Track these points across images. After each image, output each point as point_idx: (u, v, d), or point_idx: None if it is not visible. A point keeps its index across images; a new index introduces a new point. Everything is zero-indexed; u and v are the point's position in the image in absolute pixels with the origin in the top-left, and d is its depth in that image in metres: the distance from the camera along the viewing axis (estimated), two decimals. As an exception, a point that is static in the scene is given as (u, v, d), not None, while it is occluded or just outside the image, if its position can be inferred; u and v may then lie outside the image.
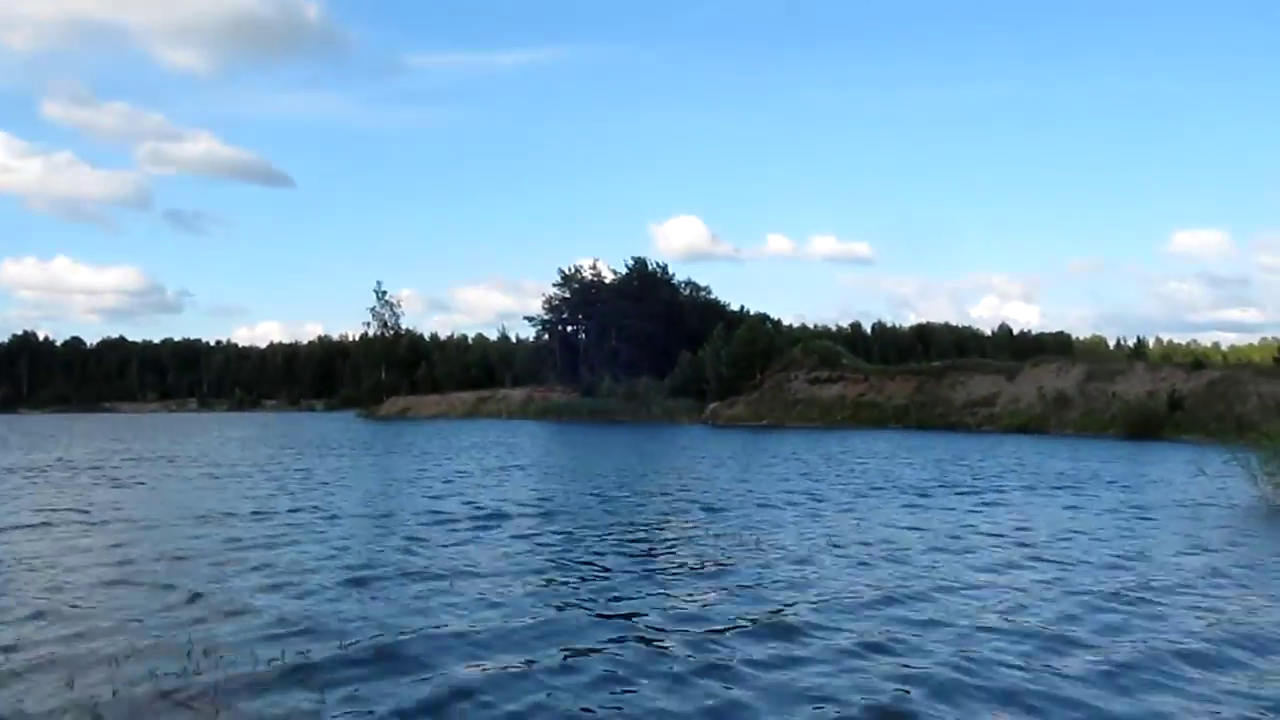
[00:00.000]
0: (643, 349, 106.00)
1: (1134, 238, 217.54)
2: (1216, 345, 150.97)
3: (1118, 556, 15.98)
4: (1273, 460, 23.69)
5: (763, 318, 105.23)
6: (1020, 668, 9.48)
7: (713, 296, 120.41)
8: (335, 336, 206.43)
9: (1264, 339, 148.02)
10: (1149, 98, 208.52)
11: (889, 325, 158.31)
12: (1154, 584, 13.64)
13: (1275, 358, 75.81)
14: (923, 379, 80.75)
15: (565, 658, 9.79)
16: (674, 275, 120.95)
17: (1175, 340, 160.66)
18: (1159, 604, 12.35)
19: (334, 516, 20.52)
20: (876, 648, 10.19)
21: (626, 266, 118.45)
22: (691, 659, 9.75)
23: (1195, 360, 76.44)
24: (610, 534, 18.12)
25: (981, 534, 18.62)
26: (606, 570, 14.48)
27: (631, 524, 19.60)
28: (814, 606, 12.04)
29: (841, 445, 50.22)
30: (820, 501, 23.94)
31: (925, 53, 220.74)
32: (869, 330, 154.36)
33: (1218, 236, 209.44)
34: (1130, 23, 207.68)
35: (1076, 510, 22.86)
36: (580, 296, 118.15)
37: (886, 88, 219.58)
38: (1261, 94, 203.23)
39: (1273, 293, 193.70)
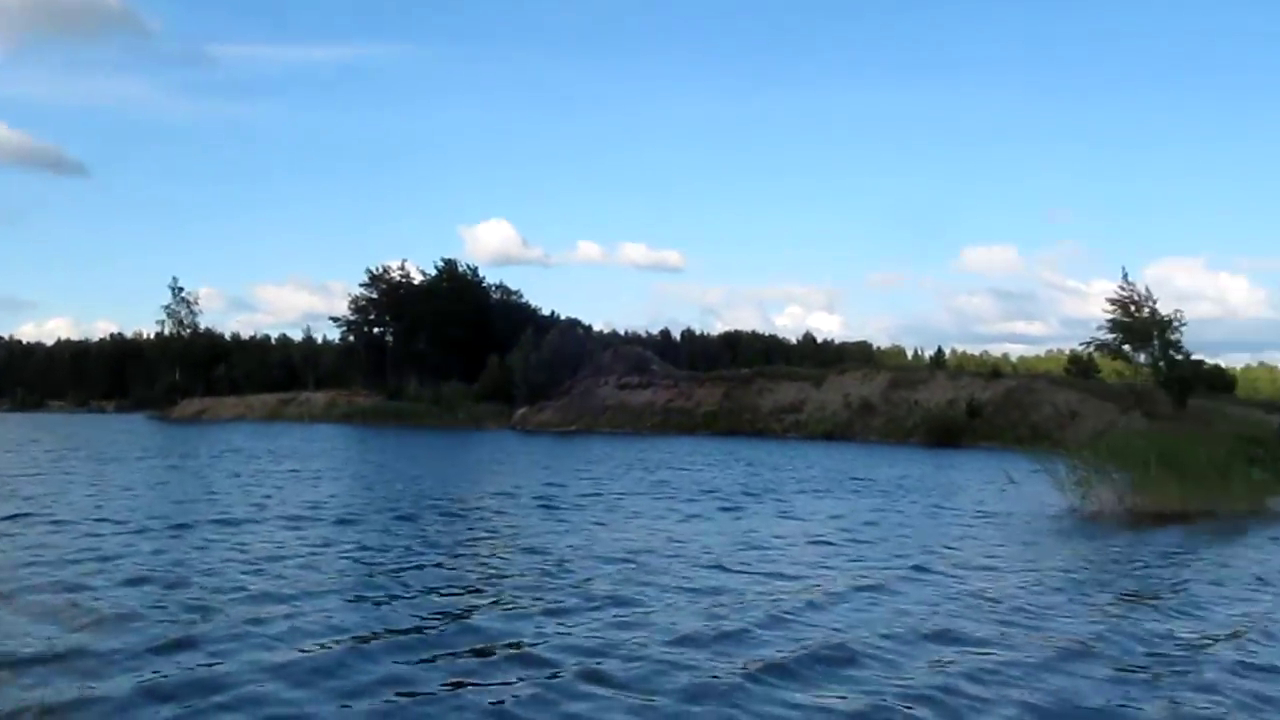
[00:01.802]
0: (451, 352, 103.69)
1: (929, 252, 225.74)
2: (1006, 356, 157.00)
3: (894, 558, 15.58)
4: (1077, 471, 23.85)
5: (573, 323, 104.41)
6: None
7: (524, 300, 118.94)
8: (129, 334, 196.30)
9: (1049, 350, 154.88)
10: (946, 115, 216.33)
11: (698, 333, 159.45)
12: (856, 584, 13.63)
13: (1066, 368, 78.80)
14: (731, 386, 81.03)
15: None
16: (484, 279, 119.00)
17: (969, 351, 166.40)
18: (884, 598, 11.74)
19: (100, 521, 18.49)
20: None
21: (436, 268, 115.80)
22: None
23: (993, 369, 78.84)
24: (396, 546, 16.65)
25: (752, 539, 18.26)
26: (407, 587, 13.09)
27: (420, 536, 18.17)
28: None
29: (642, 452, 49.60)
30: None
31: (735, 63, 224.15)
32: (678, 337, 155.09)
33: (1006, 252, 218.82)
34: (929, 36, 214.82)
35: (881, 513, 23.40)
36: (388, 298, 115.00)
37: (698, 97, 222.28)
38: (1047, 114, 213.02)
39: (1055, 307, 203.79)
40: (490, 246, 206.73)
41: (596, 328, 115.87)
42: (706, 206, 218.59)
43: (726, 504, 25.02)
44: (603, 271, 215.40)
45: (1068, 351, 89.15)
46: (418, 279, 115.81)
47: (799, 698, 8.49)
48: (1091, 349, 62.63)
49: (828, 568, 15.48)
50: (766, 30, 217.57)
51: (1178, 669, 9.56)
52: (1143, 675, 9.33)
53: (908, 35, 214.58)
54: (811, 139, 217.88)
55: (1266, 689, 8.94)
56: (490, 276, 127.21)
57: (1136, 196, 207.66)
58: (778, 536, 19.13)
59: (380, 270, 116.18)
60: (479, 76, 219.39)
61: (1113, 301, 58.26)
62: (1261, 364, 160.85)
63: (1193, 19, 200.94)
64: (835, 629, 11.01)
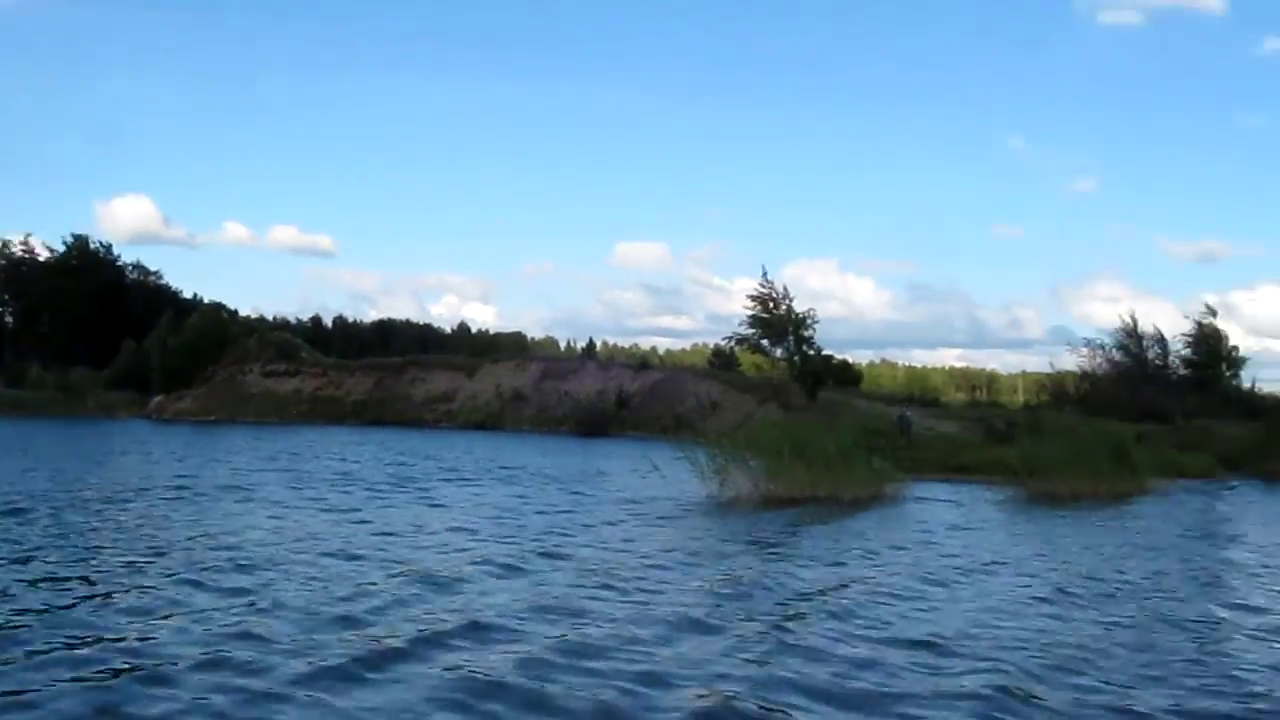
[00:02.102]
0: (79, 335, 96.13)
1: (583, 246, 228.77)
2: (655, 349, 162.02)
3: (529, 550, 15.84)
4: (716, 460, 24.70)
5: (218, 307, 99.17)
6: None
7: (163, 282, 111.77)
8: None
9: (694, 344, 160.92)
10: (603, 111, 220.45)
11: (351, 320, 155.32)
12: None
13: (709, 361, 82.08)
14: (383, 375, 79.42)
15: None
16: (120, 257, 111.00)
17: (620, 344, 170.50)
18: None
19: None
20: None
21: (65, 244, 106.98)
22: None
23: (642, 360, 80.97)
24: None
25: (367, 532, 17.88)
26: None
27: (26, 532, 16.66)
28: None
29: (287, 442, 47.85)
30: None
31: (391, 49, 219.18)
32: (330, 324, 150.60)
33: (657, 249, 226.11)
34: (588, 30, 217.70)
35: (524, 500, 23.63)
36: (7, 275, 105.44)
37: (355, 79, 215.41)
38: (701, 115, 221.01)
39: (701, 302, 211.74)
40: (127, 224, 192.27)
41: (244, 313, 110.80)
42: (361, 191, 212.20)
43: (372, 493, 24.51)
44: (251, 254, 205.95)
45: (712, 345, 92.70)
46: (43, 255, 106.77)
47: (414, 671, 8.72)
48: (733, 343, 65.31)
49: (462, 550, 15.64)
50: (423, 18, 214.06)
51: (784, 628, 10.74)
52: (736, 637, 10.36)
53: (565, 29, 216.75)
54: (469, 129, 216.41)
55: (848, 628, 10.88)
56: (127, 255, 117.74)
57: (779, 198, 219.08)
58: (418, 525, 18.88)
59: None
60: (126, 40, 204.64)
61: (753, 298, 60.86)
62: (884, 360, 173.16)
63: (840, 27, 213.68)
64: (456, 610, 11.17)
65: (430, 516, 20.26)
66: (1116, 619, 11.83)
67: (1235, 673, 9.48)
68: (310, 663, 8.75)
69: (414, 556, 14.86)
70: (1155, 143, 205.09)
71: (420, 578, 12.99)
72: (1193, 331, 60.16)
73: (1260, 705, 8.44)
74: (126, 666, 8.58)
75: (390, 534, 17.31)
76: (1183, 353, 60.86)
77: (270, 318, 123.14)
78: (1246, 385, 61.52)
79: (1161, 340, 61.52)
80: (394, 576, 13.07)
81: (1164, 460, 33.06)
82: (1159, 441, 39.31)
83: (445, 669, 8.80)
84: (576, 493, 26.15)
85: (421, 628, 10.22)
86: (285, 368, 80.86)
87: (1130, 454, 28.79)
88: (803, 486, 24.20)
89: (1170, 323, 61.97)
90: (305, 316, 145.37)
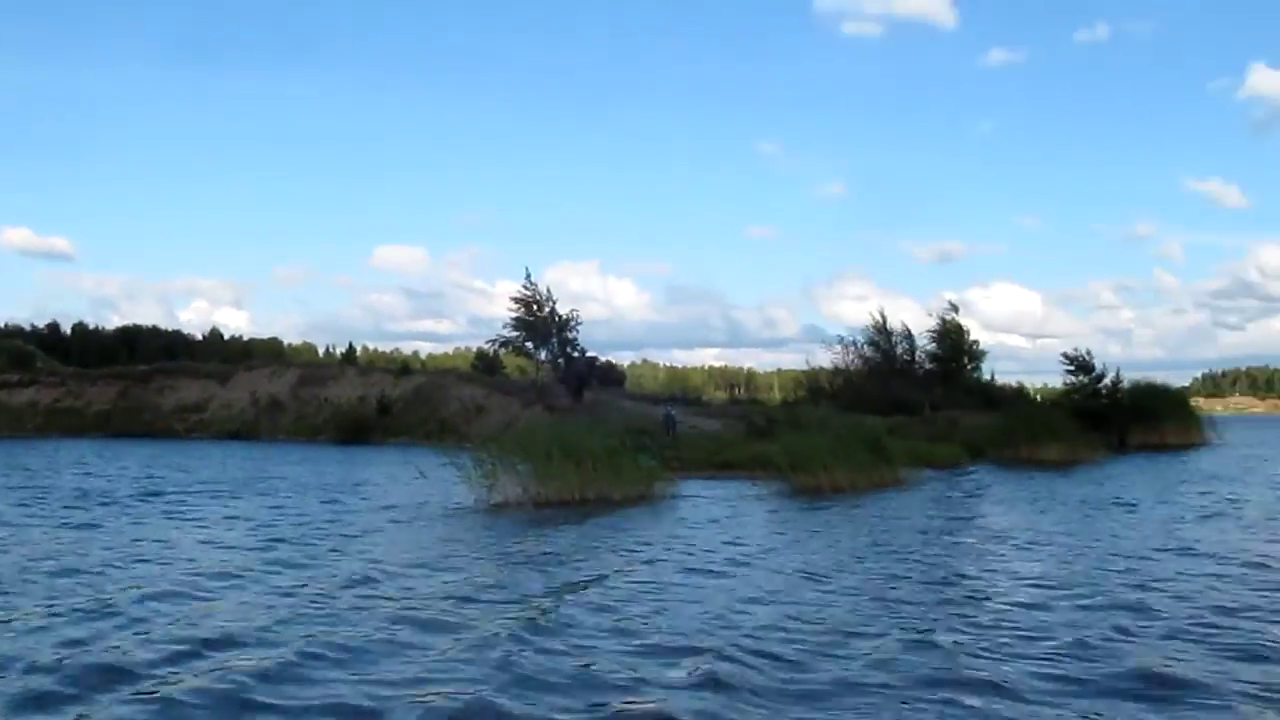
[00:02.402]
0: None
1: (340, 249, 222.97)
2: (417, 354, 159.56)
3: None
4: (484, 465, 24.26)
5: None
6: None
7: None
8: None
9: (457, 348, 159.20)
10: (357, 111, 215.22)
11: (91, 327, 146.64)
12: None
13: (473, 364, 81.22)
14: (128, 384, 75.32)
15: None
16: None
17: (380, 349, 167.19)
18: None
19: None
20: None
21: None
22: None
23: (403, 365, 79.50)
24: None
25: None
26: None
27: None
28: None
29: (23, 456, 44.63)
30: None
31: (135, 40, 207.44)
32: (69, 331, 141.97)
33: (416, 253, 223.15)
34: (344, 25, 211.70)
35: (280, 513, 22.63)
36: None
37: (93, 72, 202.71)
38: (458, 116, 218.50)
39: (462, 305, 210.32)
40: None
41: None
42: (101, 191, 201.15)
43: (116, 508, 23.17)
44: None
45: (475, 349, 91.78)
46: None
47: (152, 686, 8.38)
48: (497, 346, 64.68)
49: (209, 563, 15.13)
50: (164, 9, 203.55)
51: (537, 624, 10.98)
52: (487, 634, 10.43)
53: (319, 28, 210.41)
54: (218, 129, 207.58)
55: (602, 621, 11.12)
56: None
57: (539, 201, 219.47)
58: (163, 539, 17.92)
59: None
60: None
61: (516, 300, 60.44)
62: (645, 361, 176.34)
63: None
64: (195, 623, 10.86)
65: (178, 532, 19.18)
66: (839, 598, 12.51)
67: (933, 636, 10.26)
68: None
69: (156, 572, 14.07)
70: (897, 148, 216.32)
71: (160, 595, 12.34)
72: (937, 327, 62.87)
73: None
74: None
75: (133, 551, 16.35)
76: (928, 347, 63.52)
77: (2, 325, 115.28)
78: (986, 377, 65.00)
79: (909, 336, 63.91)
80: (127, 591, 12.41)
81: (915, 451, 34.45)
82: (909, 433, 41.05)
83: (188, 680, 8.48)
84: (334, 501, 25.42)
85: (157, 643, 9.80)
86: (19, 378, 75.62)
87: (885, 446, 29.83)
88: (573, 489, 23.99)
89: (915, 319, 65.21)
90: (41, 323, 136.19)
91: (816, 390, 61.40)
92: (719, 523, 20.92)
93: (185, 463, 40.65)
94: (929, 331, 63.33)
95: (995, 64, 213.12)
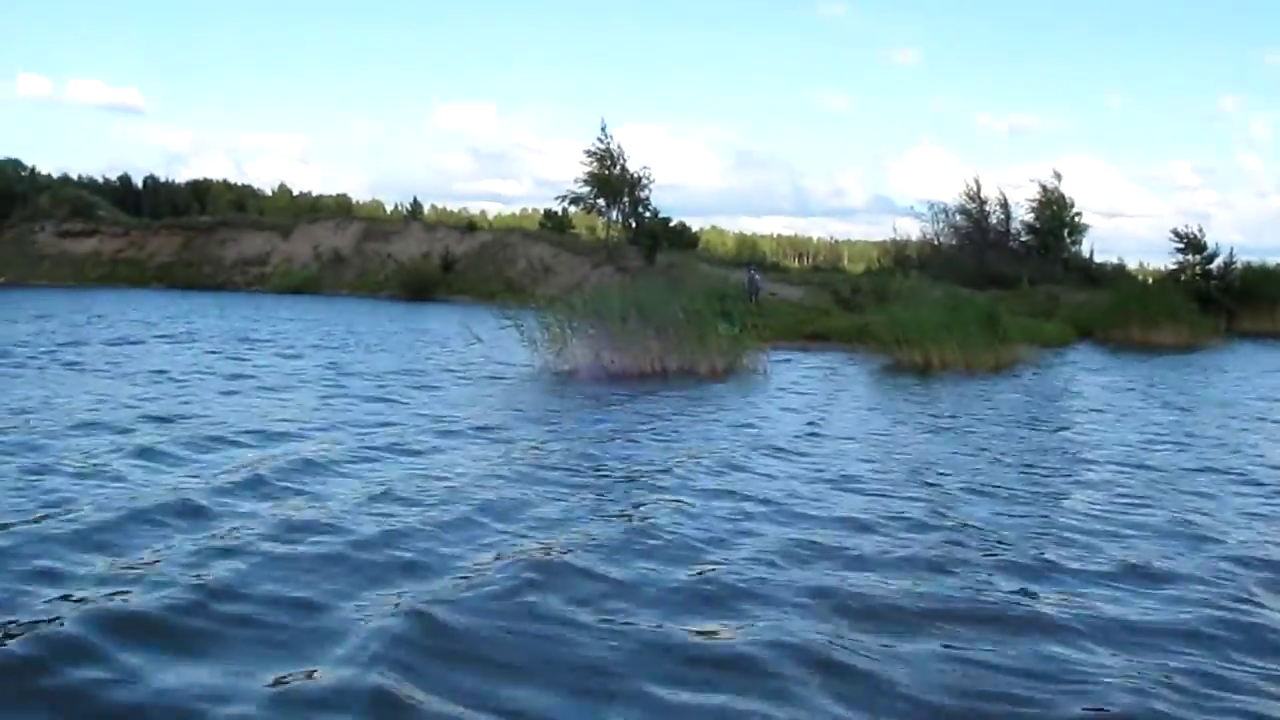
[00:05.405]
0: None
1: (407, 108, 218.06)
2: (484, 214, 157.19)
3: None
4: (551, 327, 21.59)
5: (13, 162, 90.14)
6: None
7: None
8: None
9: (523, 210, 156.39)
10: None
11: (163, 180, 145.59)
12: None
13: (541, 223, 78.38)
14: (191, 235, 73.66)
15: None
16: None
17: (447, 207, 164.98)
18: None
19: None
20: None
21: None
22: None
23: (469, 223, 77.16)
24: None
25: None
26: None
27: None
28: None
29: (91, 305, 42.78)
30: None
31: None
32: (140, 185, 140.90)
33: (484, 110, 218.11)
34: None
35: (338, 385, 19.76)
36: None
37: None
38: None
39: (528, 166, 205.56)
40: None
41: (45, 170, 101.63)
42: (172, 43, 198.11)
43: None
44: (49, 108, 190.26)
45: (541, 211, 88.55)
46: None
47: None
48: (567, 202, 61.94)
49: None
50: None
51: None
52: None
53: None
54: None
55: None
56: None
57: (605, 60, 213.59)
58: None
59: None
60: None
61: (589, 154, 57.69)
62: (714, 228, 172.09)
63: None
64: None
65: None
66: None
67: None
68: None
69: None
70: (973, 15, 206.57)
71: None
72: (1038, 197, 59.10)
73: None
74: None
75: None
76: (1025, 219, 59.94)
77: (76, 177, 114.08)
78: (1085, 254, 61.10)
79: (1005, 205, 60.47)
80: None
81: (1024, 328, 31.20)
82: (1008, 308, 37.83)
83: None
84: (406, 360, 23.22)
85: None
86: (82, 227, 74.29)
87: (1001, 322, 26.63)
88: (651, 358, 21.25)
89: (988, 193, 61.17)
90: (114, 176, 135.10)
91: (903, 260, 58.09)
92: (831, 400, 18.56)
93: (250, 312, 38.58)
94: (1028, 200, 59.76)
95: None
